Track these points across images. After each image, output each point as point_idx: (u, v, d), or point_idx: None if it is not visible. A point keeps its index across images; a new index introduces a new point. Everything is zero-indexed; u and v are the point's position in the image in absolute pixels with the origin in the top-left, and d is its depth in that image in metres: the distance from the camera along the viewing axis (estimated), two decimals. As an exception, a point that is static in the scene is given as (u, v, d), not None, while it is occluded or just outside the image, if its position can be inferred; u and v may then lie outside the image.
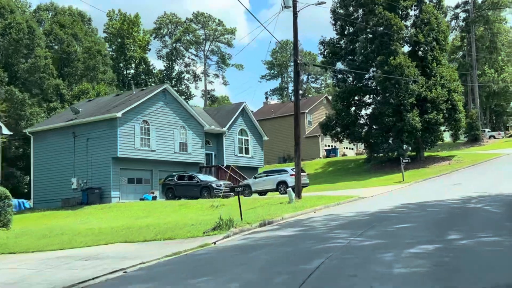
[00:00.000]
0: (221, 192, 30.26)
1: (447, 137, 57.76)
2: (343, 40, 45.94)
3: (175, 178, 32.59)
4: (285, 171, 32.34)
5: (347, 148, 61.08)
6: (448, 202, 19.05)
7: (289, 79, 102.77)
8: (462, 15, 69.85)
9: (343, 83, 44.55)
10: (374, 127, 44.09)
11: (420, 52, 45.32)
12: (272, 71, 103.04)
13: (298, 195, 23.82)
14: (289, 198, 23.10)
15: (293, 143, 25.92)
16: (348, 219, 16.02)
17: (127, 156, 33.11)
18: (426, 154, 46.92)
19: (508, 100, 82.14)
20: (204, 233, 14.57)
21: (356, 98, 44.48)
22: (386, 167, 42.67)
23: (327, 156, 56.69)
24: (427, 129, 42.36)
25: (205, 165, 38.68)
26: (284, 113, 60.12)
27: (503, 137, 68.30)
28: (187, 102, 44.61)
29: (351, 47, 44.39)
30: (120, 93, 44.32)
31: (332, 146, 58.57)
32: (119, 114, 32.19)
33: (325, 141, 57.87)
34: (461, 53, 73.78)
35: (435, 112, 41.47)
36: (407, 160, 34.19)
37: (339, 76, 45.57)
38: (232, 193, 31.58)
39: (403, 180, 32.44)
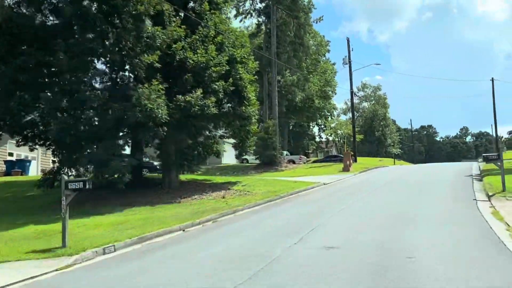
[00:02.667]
0: None
1: (227, 154, 39.69)
2: None
3: None
4: None
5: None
6: None
7: None
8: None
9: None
10: (83, 117, 21.95)
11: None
12: None
13: None
14: None
15: None
16: None
17: None
18: (186, 177, 26.86)
19: (311, 119, 69.29)
20: None
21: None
22: (100, 198, 20.99)
23: (7, 174, 32.23)
24: (184, 125, 22.22)
25: None
26: None
27: (304, 162, 53.28)
28: None
29: None
30: None
31: (25, 156, 34.54)
32: None
33: (11, 147, 32.69)
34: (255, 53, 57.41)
35: (201, 91, 21.57)
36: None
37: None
38: None
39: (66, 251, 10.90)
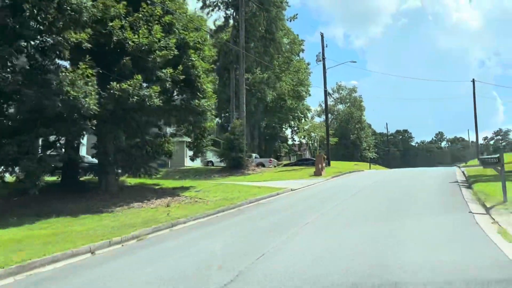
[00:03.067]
0: None
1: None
2: None
3: None
4: None
5: None
6: None
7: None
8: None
9: None
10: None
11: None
12: None
13: None
14: None
15: None
16: None
17: None
18: (131, 181, 23.35)
19: (283, 120, 66.22)
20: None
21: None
22: (16, 205, 17.31)
23: None
24: (122, 120, 18.79)
25: None
26: None
27: (275, 166, 50.11)
28: None
29: None
30: None
31: None
32: None
33: None
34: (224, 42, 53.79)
35: (142, 78, 18.15)
36: None
37: None
38: None
39: None
